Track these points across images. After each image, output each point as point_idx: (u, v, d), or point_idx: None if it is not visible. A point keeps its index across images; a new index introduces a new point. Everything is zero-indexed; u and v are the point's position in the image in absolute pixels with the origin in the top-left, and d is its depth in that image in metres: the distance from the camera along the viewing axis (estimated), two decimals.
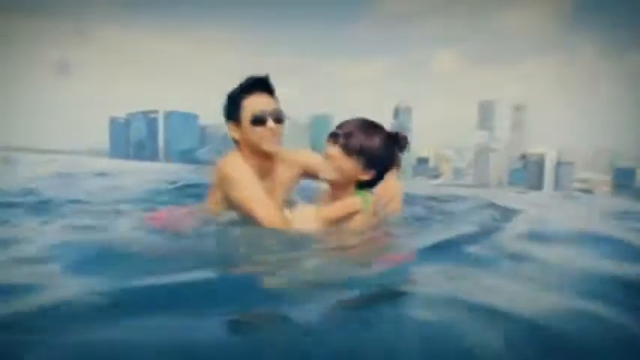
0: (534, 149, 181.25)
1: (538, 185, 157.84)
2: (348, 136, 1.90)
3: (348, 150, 1.89)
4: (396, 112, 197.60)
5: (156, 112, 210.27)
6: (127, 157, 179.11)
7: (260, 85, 2.09)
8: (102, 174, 6.46)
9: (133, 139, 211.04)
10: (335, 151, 1.91)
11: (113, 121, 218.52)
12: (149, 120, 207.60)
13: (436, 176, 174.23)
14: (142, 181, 5.25)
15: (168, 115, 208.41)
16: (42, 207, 2.83)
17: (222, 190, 2.12)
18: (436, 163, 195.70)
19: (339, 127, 1.94)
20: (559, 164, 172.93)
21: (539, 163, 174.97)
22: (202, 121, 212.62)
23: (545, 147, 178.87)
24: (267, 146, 2.08)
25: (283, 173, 2.27)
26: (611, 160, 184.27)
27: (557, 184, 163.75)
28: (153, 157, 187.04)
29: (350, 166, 1.92)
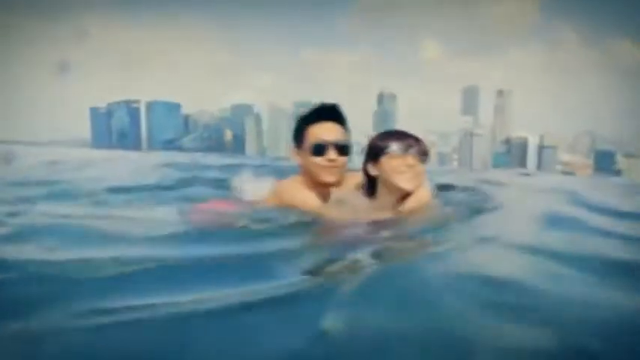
0: (518, 133, 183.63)
1: (522, 167, 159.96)
2: (421, 144, 1.96)
3: (424, 157, 1.96)
4: (380, 99, 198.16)
5: (138, 101, 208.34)
6: (109, 147, 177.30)
7: (328, 113, 2.04)
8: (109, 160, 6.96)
9: (115, 129, 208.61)
10: (418, 162, 1.95)
11: (94, 112, 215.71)
12: (131, 109, 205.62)
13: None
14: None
15: (151, 105, 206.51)
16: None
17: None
18: None
19: (403, 139, 1.94)
20: (542, 148, 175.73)
21: (523, 147, 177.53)
22: (185, 109, 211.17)
23: (528, 131, 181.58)
24: (325, 177, 2.02)
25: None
26: (592, 143, 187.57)
27: (540, 167, 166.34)
28: (136, 146, 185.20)
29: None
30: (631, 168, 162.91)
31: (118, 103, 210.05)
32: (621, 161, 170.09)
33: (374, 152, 1.96)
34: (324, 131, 2.00)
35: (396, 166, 1.91)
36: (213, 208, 2.24)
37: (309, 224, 1.94)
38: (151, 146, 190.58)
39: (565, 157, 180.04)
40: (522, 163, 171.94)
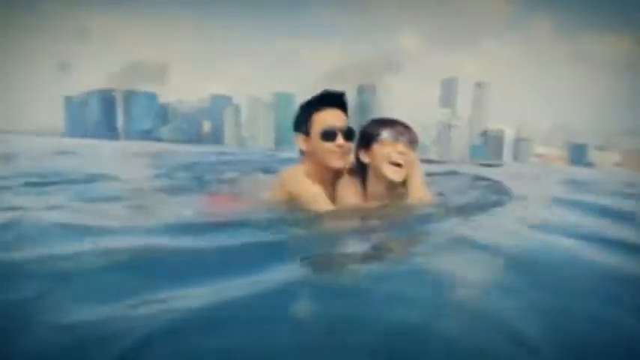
0: (495, 126, 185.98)
1: (498, 159, 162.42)
2: (411, 132, 2.04)
3: (414, 144, 2.05)
4: (361, 90, 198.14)
5: (113, 90, 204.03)
6: (84, 136, 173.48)
7: (334, 100, 2.09)
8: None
9: (90, 118, 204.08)
10: (408, 149, 2.02)
11: (68, 101, 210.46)
12: (107, 99, 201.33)
13: None
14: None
15: (127, 94, 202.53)
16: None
17: (286, 200, 2.14)
18: None
19: (394, 127, 2.03)
20: (518, 140, 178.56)
21: (499, 139, 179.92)
22: (164, 99, 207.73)
23: (505, 123, 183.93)
24: (335, 162, 2.07)
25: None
26: (567, 136, 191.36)
27: (516, 159, 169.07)
28: (112, 136, 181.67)
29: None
30: (603, 161, 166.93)
31: (93, 92, 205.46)
32: (594, 154, 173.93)
33: (366, 139, 2.03)
34: (332, 117, 2.05)
35: (387, 153, 1.98)
36: (222, 204, 2.26)
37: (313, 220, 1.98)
38: (128, 136, 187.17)
39: (540, 149, 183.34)
40: (499, 155, 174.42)
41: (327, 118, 2.04)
